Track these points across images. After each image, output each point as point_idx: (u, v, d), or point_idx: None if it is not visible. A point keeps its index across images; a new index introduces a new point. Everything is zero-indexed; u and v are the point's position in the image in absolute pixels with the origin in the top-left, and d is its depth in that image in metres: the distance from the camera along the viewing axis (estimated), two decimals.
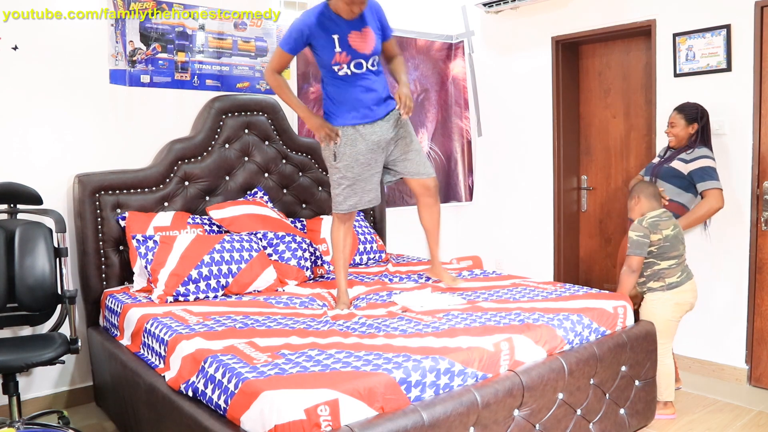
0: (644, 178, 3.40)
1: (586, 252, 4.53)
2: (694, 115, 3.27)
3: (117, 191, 3.33)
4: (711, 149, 3.25)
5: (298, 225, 3.81)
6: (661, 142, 3.66)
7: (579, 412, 2.52)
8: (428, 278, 3.39)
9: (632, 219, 3.08)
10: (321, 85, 3.07)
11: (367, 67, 2.94)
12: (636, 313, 3.26)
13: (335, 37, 2.84)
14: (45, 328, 3.16)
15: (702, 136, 3.27)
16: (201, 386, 2.18)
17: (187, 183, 3.56)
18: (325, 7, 2.86)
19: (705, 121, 3.27)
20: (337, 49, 2.85)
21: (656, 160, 3.43)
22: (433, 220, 3.24)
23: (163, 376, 2.44)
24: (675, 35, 3.62)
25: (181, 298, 3.05)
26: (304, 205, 4.04)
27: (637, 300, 3.26)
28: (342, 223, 3.12)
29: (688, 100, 3.52)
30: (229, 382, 2.04)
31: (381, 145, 3.03)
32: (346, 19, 2.84)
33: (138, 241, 3.17)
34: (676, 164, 3.24)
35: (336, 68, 2.89)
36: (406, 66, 3.14)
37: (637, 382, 2.80)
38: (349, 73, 2.92)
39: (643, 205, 3.04)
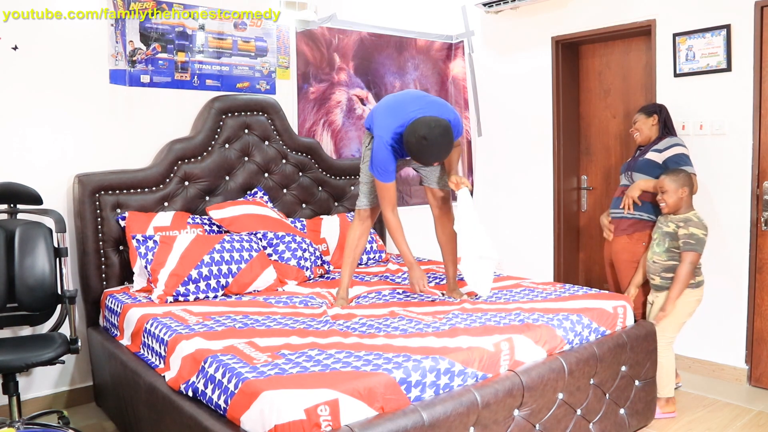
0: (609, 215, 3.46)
1: (586, 252, 4.53)
2: (652, 108, 3.38)
3: (117, 191, 3.33)
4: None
5: (298, 225, 3.81)
6: None
7: (579, 412, 2.52)
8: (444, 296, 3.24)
9: (660, 202, 3.08)
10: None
11: None
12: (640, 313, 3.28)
13: (407, 158, 2.92)
14: (45, 328, 3.16)
15: (666, 128, 3.36)
16: (201, 386, 2.18)
17: (187, 183, 3.56)
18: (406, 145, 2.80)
19: (665, 114, 3.36)
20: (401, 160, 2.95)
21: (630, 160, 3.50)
22: (445, 234, 3.15)
23: (163, 376, 2.44)
24: (675, 35, 3.62)
25: (181, 298, 3.05)
26: (304, 205, 4.04)
27: (638, 300, 3.28)
28: (361, 223, 3.13)
29: (689, 100, 3.54)
30: (229, 382, 2.04)
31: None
32: None
33: (138, 241, 3.17)
34: (651, 155, 3.29)
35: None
36: (460, 157, 3.15)
37: (637, 382, 2.80)
38: None
39: (687, 200, 3.04)
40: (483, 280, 2.95)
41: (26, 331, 3.18)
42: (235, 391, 1.99)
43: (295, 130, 4.06)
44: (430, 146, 2.65)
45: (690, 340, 3.66)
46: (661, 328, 3.00)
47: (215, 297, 3.14)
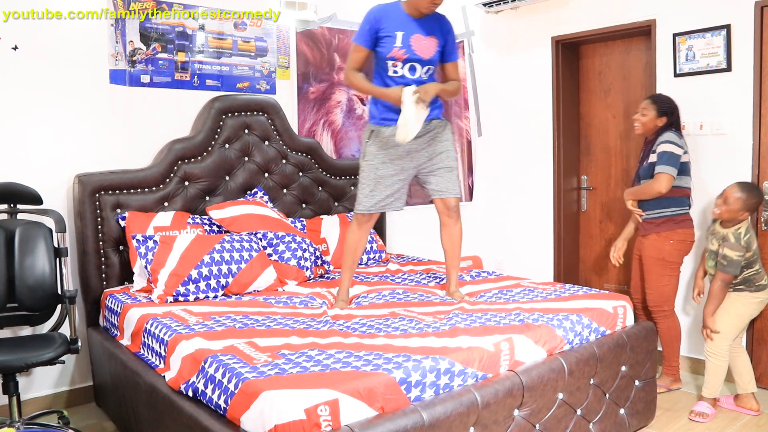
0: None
1: (586, 252, 4.53)
2: (666, 109, 3.31)
3: (117, 191, 3.33)
4: (680, 136, 3.27)
5: (298, 225, 3.81)
6: None
7: (579, 412, 2.52)
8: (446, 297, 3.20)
9: (717, 213, 3.08)
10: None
11: (420, 74, 2.93)
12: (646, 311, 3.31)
13: (399, 33, 2.86)
14: (45, 328, 3.16)
15: (668, 127, 3.29)
16: (201, 386, 2.18)
17: (187, 183, 3.56)
18: (396, 4, 2.92)
19: (675, 116, 3.31)
20: (398, 44, 2.85)
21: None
22: (451, 241, 3.13)
23: (163, 376, 2.44)
24: (675, 35, 3.62)
25: (181, 298, 3.05)
26: (304, 205, 4.04)
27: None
28: (359, 227, 3.07)
29: (689, 100, 3.53)
30: (229, 382, 2.04)
31: (411, 153, 2.98)
32: (415, 18, 2.88)
33: (138, 241, 3.17)
34: (651, 158, 3.29)
35: (390, 63, 2.88)
36: (455, 90, 3.06)
37: (637, 382, 2.80)
38: (400, 73, 2.90)
39: (740, 217, 3.04)
40: (412, 124, 2.78)
41: (26, 331, 3.18)
42: (235, 391, 1.99)
43: (295, 130, 4.06)
44: None
45: (690, 340, 3.66)
46: (718, 336, 3.05)
47: (215, 297, 3.14)
